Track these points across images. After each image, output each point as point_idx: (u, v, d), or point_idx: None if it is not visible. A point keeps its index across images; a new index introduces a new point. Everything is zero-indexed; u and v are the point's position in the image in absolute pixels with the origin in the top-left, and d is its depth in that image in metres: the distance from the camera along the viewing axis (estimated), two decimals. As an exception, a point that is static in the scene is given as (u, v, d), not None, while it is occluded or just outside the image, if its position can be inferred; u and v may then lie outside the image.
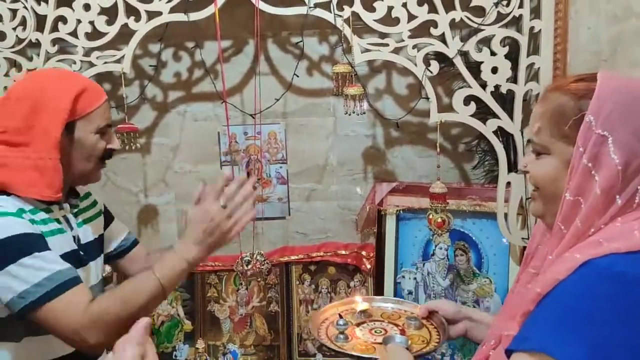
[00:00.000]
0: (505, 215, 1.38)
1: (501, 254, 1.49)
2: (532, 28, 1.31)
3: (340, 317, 1.03)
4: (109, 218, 1.21)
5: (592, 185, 0.67)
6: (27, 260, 0.88)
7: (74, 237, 1.03)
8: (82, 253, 1.03)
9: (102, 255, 1.15)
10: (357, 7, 1.34)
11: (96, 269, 1.09)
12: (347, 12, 1.35)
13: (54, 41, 1.45)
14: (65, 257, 0.95)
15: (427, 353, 0.94)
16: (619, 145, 0.66)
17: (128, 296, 0.92)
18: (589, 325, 0.59)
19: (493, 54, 1.33)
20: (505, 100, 1.37)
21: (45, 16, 1.43)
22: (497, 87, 1.34)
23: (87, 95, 1.00)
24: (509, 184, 1.37)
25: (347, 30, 1.35)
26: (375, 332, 1.00)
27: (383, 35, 1.37)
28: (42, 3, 1.43)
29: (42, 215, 0.96)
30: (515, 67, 1.34)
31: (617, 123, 0.66)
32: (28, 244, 0.89)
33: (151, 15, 1.41)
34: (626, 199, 0.67)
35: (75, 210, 1.07)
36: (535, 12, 1.32)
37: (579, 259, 0.64)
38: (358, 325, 1.03)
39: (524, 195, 1.36)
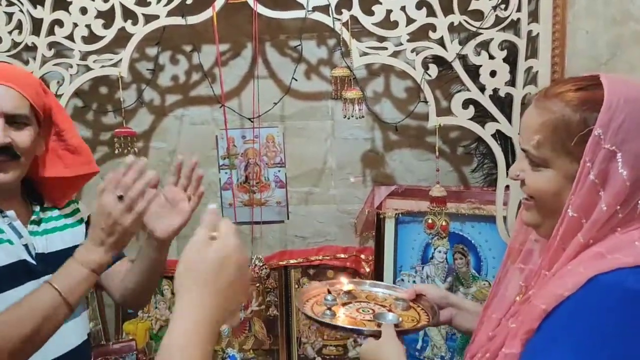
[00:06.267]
0: (504, 218, 1.38)
1: (500, 257, 1.48)
2: (530, 32, 1.31)
3: (329, 292, 1.00)
4: None
5: (597, 200, 0.65)
6: None
7: (24, 245, 0.96)
8: (34, 263, 0.96)
9: None
10: (356, 10, 1.34)
11: None
12: (345, 15, 1.35)
13: (50, 45, 1.44)
14: (9, 268, 0.90)
15: (418, 329, 0.93)
16: (627, 159, 0.63)
17: (23, 315, 0.81)
18: (613, 347, 0.57)
19: (491, 57, 1.33)
20: (504, 103, 1.37)
21: (42, 20, 1.42)
22: (495, 90, 1.34)
23: None
24: (507, 187, 1.37)
25: (346, 34, 1.35)
26: (363, 311, 0.98)
27: (381, 39, 1.37)
28: (38, 6, 1.42)
29: None
30: (513, 71, 1.34)
31: (627, 136, 0.63)
32: None
33: (148, 18, 1.41)
34: (627, 211, 0.65)
35: (34, 217, 1.01)
36: (533, 16, 1.32)
37: (584, 273, 0.62)
38: (344, 305, 1.00)
39: (522, 197, 1.36)
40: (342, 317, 0.95)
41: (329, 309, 0.96)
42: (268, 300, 1.69)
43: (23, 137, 0.94)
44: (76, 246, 0.99)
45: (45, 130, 1.02)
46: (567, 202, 0.67)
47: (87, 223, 1.12)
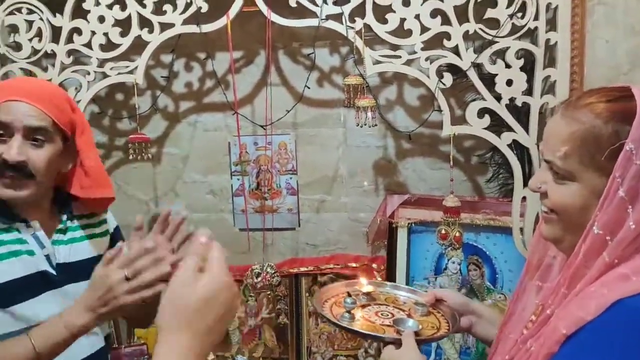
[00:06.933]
0: (521, 229, 1.35)
1: (517, 270, 1.45)
2: (547, 40, 1.29)
3: (349, 295, 0.99)
4: (117, 239, 1.12)
5: (625, 218, 0.62)
6: None
7: (46, 256, 0.97)
8: (54, 273, 0.97)
9: None
10: (369, 18, 1.33)
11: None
12: (359, 23, 1.34)
13: (69, 52, 1.47)
14: (26, 279, 0.91)
15: (438, 338, 0.92)
16: None
17: None
18: None
19: (508, 66, 1.31)
20: (520, 112, 1.35)
21: (61, 27, 1.45)
22: (512, 99, 1.31)
23: None
24: (524, 198, 1.34)
25: (359, 42, 1.35)
26: (382, 314, 0.96)
27: (395, 47, 1.36)
28: (58, 15, 1.45)
29: None
30: (530, 80, 1.32)
31: None
32: None
33: (164, 27, 1.42)
34: None
35: (61, 226, 1.02)
36: (551, 24, 1.30)
37: (608, 295, 0.60)
38: (363, 307, 0.99)
39: (540, 210, 1.33)
40: (361, 320, 0.94)
41: (348, 312, 0.95)
42: (278, 308, 1.69)
43: (40, 156, 0.93)
44: (99, 256, 1.00)
45: (72, 147, 1.00)
46: (592, 219, 0.64)
47: (112, 235, 1.13)
